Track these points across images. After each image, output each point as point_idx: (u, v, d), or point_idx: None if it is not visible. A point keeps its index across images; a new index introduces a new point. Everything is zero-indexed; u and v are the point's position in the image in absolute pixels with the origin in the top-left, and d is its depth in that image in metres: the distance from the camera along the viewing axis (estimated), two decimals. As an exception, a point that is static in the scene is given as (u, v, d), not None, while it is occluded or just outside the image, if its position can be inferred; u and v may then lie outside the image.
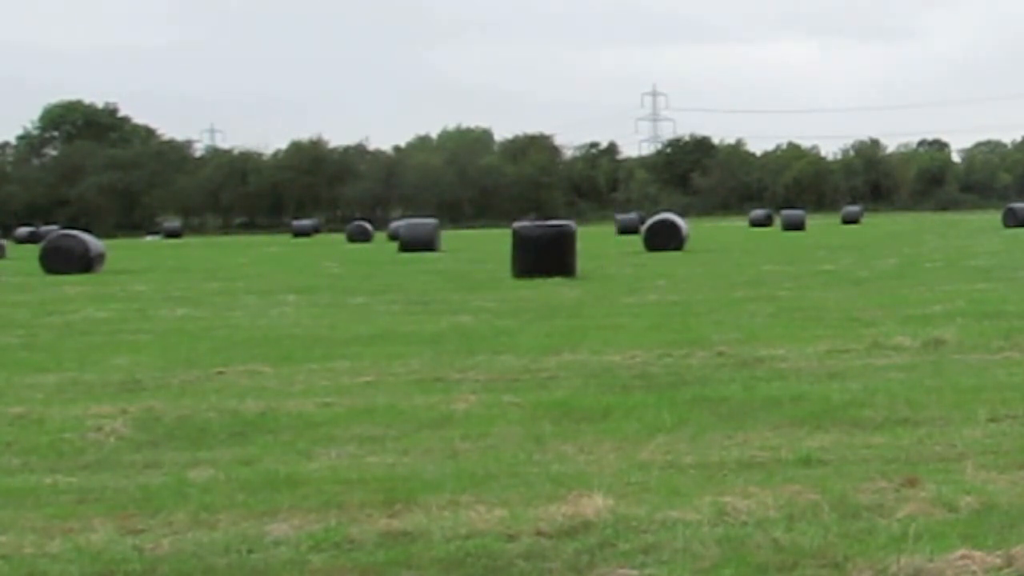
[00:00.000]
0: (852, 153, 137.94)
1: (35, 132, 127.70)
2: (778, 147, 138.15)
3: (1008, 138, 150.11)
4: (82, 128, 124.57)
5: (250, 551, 5.31)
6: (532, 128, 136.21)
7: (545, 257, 25.25)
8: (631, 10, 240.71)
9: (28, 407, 9.37)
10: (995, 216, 70.19)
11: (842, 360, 10.92)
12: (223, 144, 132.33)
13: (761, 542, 5.17)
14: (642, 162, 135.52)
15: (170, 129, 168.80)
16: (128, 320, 17.57)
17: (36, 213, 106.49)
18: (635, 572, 4.89)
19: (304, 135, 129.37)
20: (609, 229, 70.46)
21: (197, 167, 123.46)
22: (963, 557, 4.83)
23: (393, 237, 57.52)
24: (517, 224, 27.73)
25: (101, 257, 34.66)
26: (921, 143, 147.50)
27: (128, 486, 6.67)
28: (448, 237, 54.67)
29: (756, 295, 19.08)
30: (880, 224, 75.21)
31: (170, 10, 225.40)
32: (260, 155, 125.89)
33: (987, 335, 12.29)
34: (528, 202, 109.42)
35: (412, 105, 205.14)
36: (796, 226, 65.88)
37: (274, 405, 9.19)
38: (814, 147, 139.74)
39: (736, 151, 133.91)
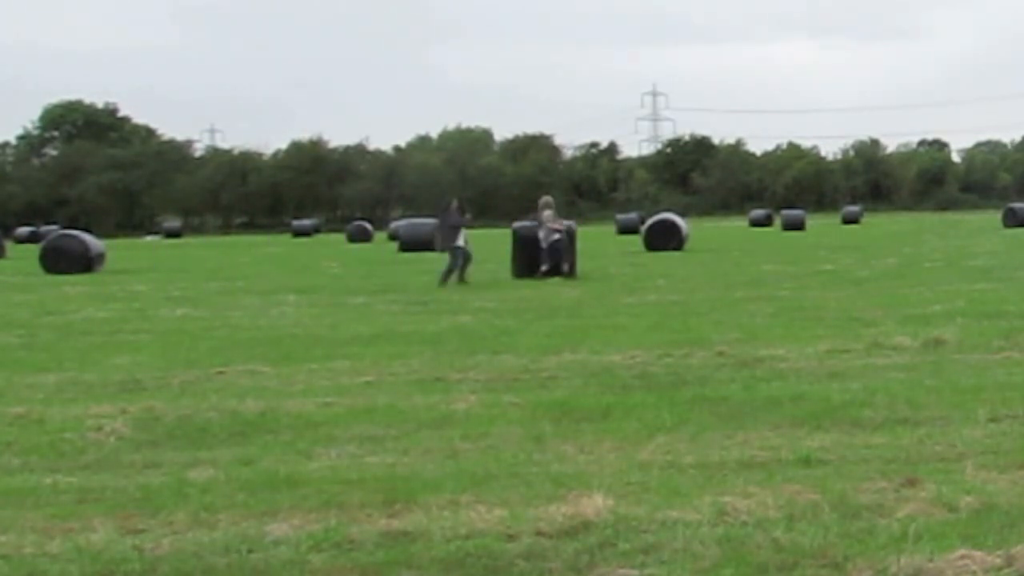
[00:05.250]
0: (852, 153, 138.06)
1: (35, 132, 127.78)
2: (778, 147, 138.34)
3: (1008, 138, 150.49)
4: (82, 128, 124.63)
5: (250, 551, 5.31)
6: (532, 128, 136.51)
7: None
8: (631, 10, 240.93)
9: (28, 407, 9.36)
10: (995, 216, 70.23)
11: (842, 360, 10.92)
12: (223, 144, 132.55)
13: (761, 542, 5.17)
14: (642, 162, 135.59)
15: (170, 129, 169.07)
16: (128, 320, 17.57)
17: (36, 213, 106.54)
18: (635, 572, 4.89)
19: (304, 135, 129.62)
20: (609, 229, 70.48)
21: (197, 167, 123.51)
22: (963, 557, 4.83)
23: (393, 237, 57.54)
24: (517, 224, 27.73)
25: (101, 257, 34.66)
26: (921, 143, 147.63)
27: (128, 486, 6.66)
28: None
29: (756, 295, 19.08)
30: (880, 224, 75.23)
31: (170, 10, 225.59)
32: (260, 155, 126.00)
33: (987, 335, 12.29)
34: (528, 202, 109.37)
35: (412, 105, 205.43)
36: (796, 226, 65.94)
37: (274, 405, 9.19)
38: (814, 147, 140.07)
39: (736, 151, 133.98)
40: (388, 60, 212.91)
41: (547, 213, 25.42)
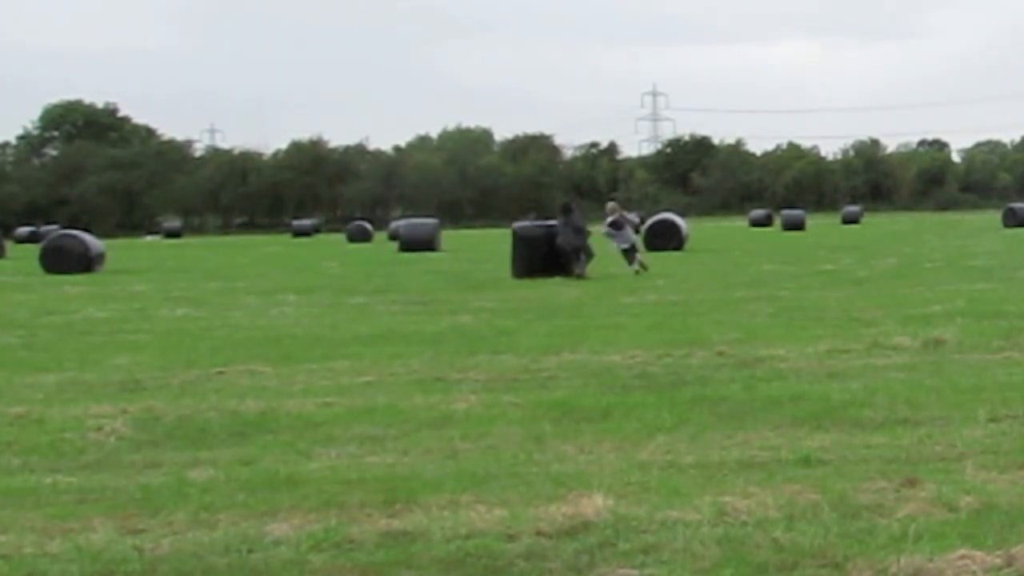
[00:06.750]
0: (852, 153, 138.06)
1: (35, 132, 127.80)
2: (778, 147, 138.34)
3: (1008, 138, 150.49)
4: (82, 128, 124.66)
5: (250, 551, 5.31)
6: (532, 128, 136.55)
7: (545, 257, 25.25)
8: (631, 10, 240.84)
9: (28, 407, 9.37)
10: (995, 216, 70.23)
11: (842, 360, 10.91)
12: (223, 144, 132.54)
13: (761, 542, 5.17)
14: (642, 162, 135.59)
15: (170, 129, 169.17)
16: (128, 320, 17.57)
17: (36, 213, 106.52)
18: (635, 572, 4.89)
19: (304, 135, 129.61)
20: (609, 229, 70.37)
21: (197, 167, 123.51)
22: (963, 557, 4.83)
23: (393, 237, 57.58)
24: (517, 224, 27.72)
25: (101, 257, 34.67)
26: (921, 143, 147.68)
27: (128, 486, 6.66)
28: (448, 237, 54.69)
29: (756, 295, 19.08)
30: (880, 224, 75.24)
31: (170, 10, 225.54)
32: (260, 155, 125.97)
33: (987, 335, 12.29)
34: (528, 202, 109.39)
35: (412, 105, 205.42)
36: (796, 226, 65.93)
37: (274, 405, 9.19)
38: (814, 147, 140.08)
39: (736, 151, 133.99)
40: (388, 60, 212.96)
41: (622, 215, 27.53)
